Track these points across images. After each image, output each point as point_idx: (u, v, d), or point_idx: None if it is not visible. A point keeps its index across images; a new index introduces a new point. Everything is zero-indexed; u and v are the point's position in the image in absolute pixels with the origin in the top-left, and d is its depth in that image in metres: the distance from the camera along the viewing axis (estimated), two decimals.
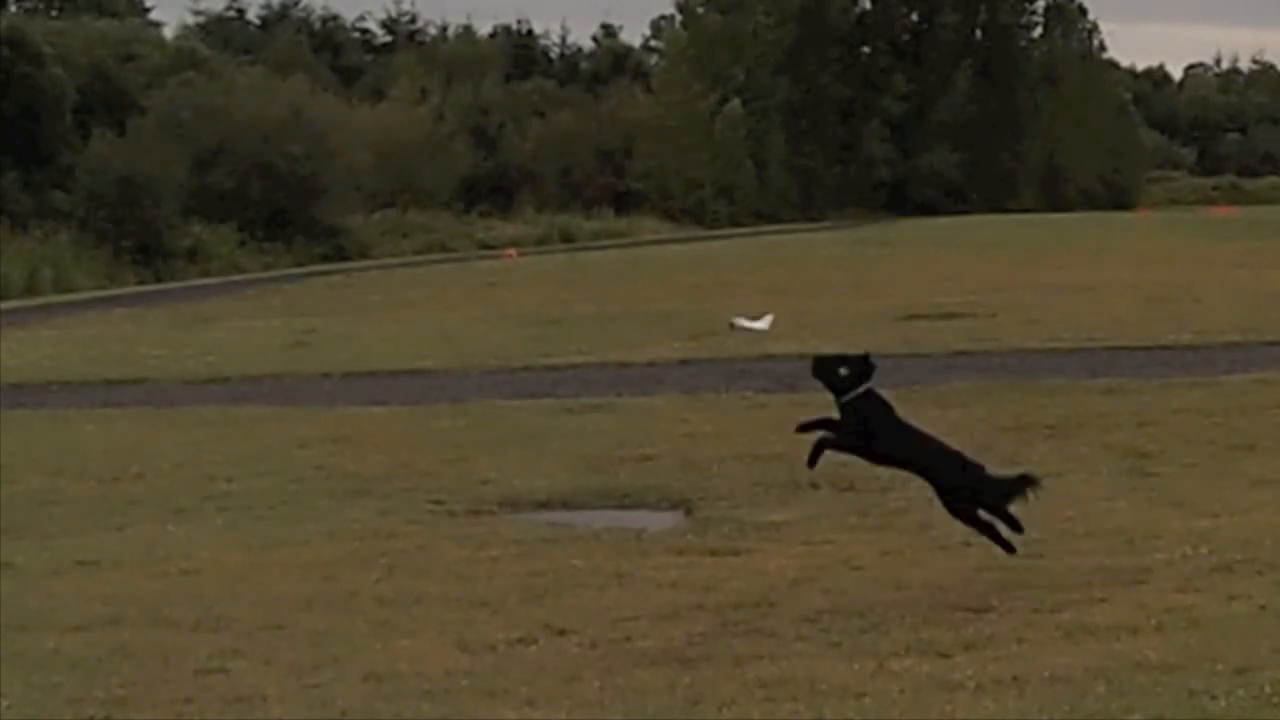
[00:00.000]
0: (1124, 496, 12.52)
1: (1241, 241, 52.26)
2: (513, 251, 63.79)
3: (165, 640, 9.34)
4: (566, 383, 21.24)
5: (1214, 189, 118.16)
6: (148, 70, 64.74)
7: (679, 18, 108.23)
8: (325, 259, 60.26)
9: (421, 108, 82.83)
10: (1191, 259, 43.27)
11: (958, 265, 43.99)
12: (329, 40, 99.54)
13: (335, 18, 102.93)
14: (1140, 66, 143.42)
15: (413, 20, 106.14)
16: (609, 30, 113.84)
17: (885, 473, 11.49)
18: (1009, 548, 10.10)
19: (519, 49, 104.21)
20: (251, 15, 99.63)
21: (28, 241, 49.67)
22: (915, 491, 11.44)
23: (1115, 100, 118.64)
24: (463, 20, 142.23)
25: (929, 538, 11.16)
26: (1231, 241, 52.56)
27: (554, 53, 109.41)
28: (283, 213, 60.35)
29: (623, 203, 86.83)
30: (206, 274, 54.04)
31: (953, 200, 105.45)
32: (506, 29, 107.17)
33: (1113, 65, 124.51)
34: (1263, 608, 9.23)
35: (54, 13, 74.34)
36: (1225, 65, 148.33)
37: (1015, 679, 8.07)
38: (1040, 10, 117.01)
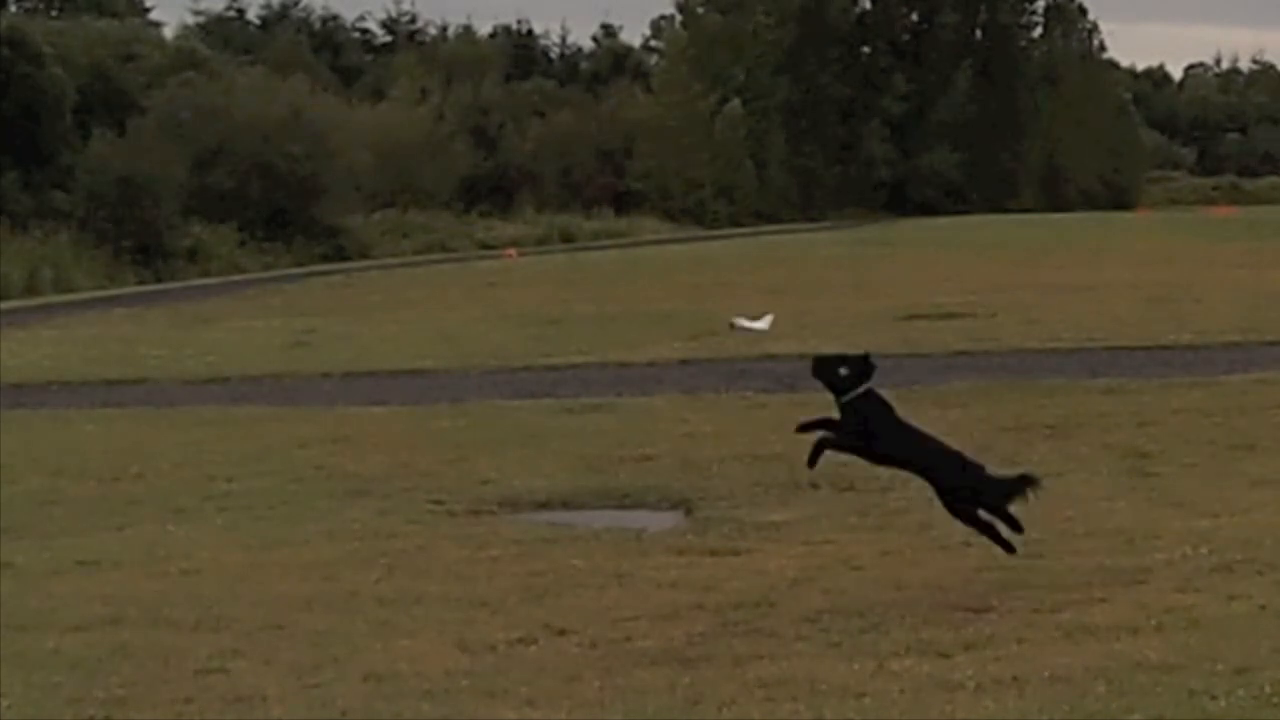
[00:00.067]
0: (1124, 496, 12.52)
1: (1241, 241, 52.26)
2: (513, 251, 63.79)
3: (165, 640, 9.34)
4: (566, 383, 21.24)
5: (1214, 189, 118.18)
6: (148, 70, 64.74)
7: (679, 18, 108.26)
8: (325, 259, 60.26)
9: (421, 108, 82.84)
10: (1191, 259, 43.27)
11: (958, 265, 43.99)
12: (329, 40, 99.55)
13: (335, 18, 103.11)
14: (1140, 66, 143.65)
15: (413, 20, 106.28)
16: (609, 30, 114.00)
17: (885, 473, 11.49)
18: (1009, 548, 10.10)
19: (519, 49, 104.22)
20: (251, 15, 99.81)
21: (28, 241, 49.68)
22: (915, 491, 11.45)
23: (1115, 100, 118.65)
24: (463, 20, 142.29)
25: (929, 538, 11.16)
26: (1231, 241, 52.56)
27: (554, 53, 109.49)
28: (283, 213, 60.36)
29: (623, 203, 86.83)
30: (206, 274, 54.04)
31: (953, 200, 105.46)
32: (506, 29, 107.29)
33: (1113, 65, 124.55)
34: (1263, 608, 9.23)
35: (54, 13, 74.34)
36: (1225, 65, 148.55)
37: (1015, 679, 8.07)
38: (1040, 10, 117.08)
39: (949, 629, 9.02)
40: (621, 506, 13.22)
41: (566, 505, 13.26)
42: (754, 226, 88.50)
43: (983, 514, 10.08)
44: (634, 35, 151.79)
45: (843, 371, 10.09)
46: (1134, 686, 7.91)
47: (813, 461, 10.26)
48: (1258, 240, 52.72)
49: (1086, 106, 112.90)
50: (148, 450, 16.43)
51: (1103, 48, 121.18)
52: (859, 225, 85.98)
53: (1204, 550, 10.56)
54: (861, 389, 10.06)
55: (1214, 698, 7.71)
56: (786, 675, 8.30)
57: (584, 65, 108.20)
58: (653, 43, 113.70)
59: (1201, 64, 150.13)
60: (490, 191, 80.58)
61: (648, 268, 48.43)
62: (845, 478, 12.99)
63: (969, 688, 7.99)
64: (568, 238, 75.69)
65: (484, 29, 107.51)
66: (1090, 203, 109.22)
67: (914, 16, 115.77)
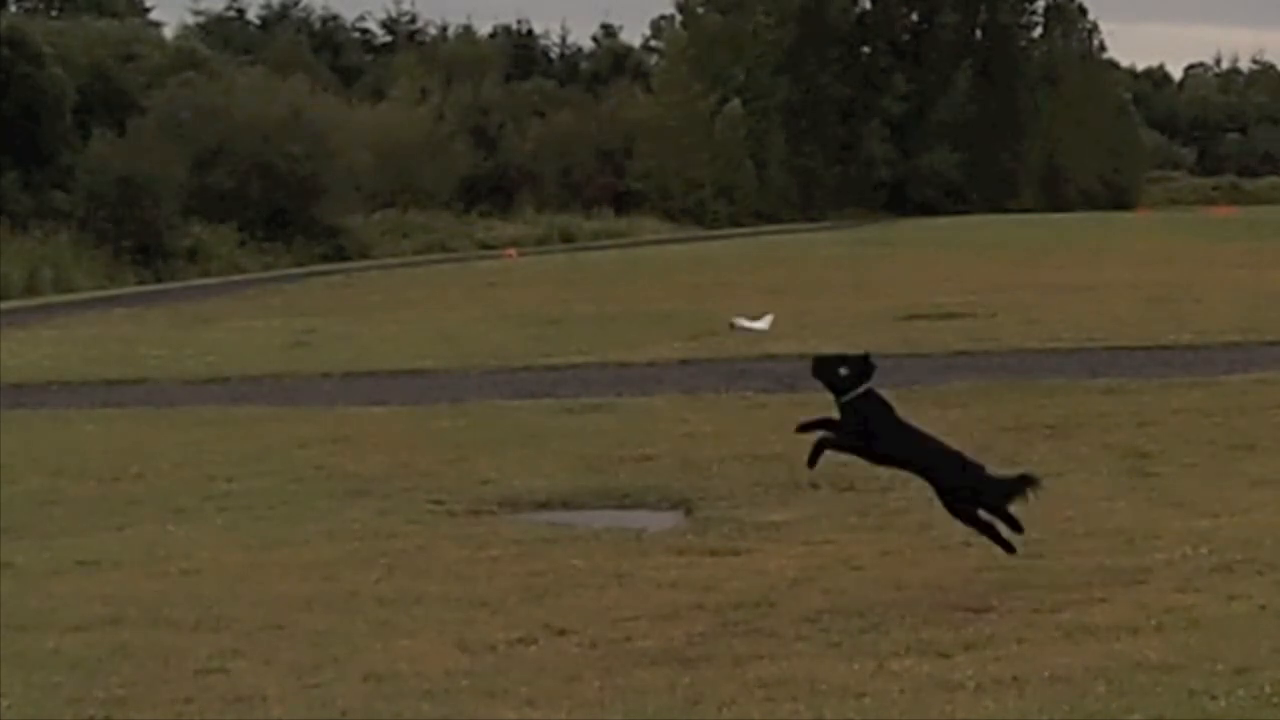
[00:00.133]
0: (1124, 496, 12.52)
1: (1241, 241, 52.26)
2: (513, 251, 63.79)
3: (165, 640, 9.34)
4: (566, 383, 21.24)
5: (1214, 189, 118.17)
6: (148, 70, 64.74)
7: (679, 18, 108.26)
8: (325, 259, 60.26)
9: (421, 108, 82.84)
10: (1191, 259, 43.27)
11: (958, 265, 43.99)
12: (329, 40, 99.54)
13: (335, 18, 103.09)
14: (1140, 66, 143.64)
15: (413, 20, 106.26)
16: (609, 30, 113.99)
17: (885, 473, 11.49)
18: (1009, 548, 10.10)
19: (519, 49, 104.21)
20: (251, 15, 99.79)
21: (28, 241, 49.68)
22: (915, 491, 11.44)
23: (1115, 100, 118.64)
24: (463, 20, 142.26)
25: (929, 538, 11.16)
26: (1231, 241, 52.56)
27: (554, 53, 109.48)
28: (283, 213, 60.36)
29: (623, 203, 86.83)
30: (206, 274, 54.04)
31: (953, 200, 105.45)
32: (506, 29, 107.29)
33: (1113, 65, 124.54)
34: (1263, 608, 9.23)
35: (54, 13, 74.34)
36: (1225, 65, 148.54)
37: (1015, 679, 8.07)
38: (1040, 10, 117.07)
39: (949, 629, 9.02)
40: (621, 506, 13.22)
41: (566, 505, 13.26)
42: (754, 226, 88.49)
43: (983, 514, 10.09)
44: (634, 35, 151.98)
45: (843, 371, 10.09)
46: (1134, 686, 7.91)
47: (813, 461, 10.26)
48: (1258, 240, 52.72)
49: (1086, 106, 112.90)
50: (148, 450, 16.43)
51: (1103, 48, 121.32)
52: (859, 225, 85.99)
53: (1204, 550, 10.56)
54: (861, 389, 10.05)
55: (1214, 698, 7.71)
56: (786, 675, 8.30)
57: (584, 65, 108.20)
58: (653, 43, 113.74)
59: (1201, 64, 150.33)
60: (490, 191, 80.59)
61: (648, 268, 48.42)
62: (845, 478, 12.99)
63: (969, 688, 7.99)
64: (568, 238, 75.69)
65: (484, 29, 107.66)
66: (1090, 203, 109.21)
67: (914, 16, 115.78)
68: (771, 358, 22.84)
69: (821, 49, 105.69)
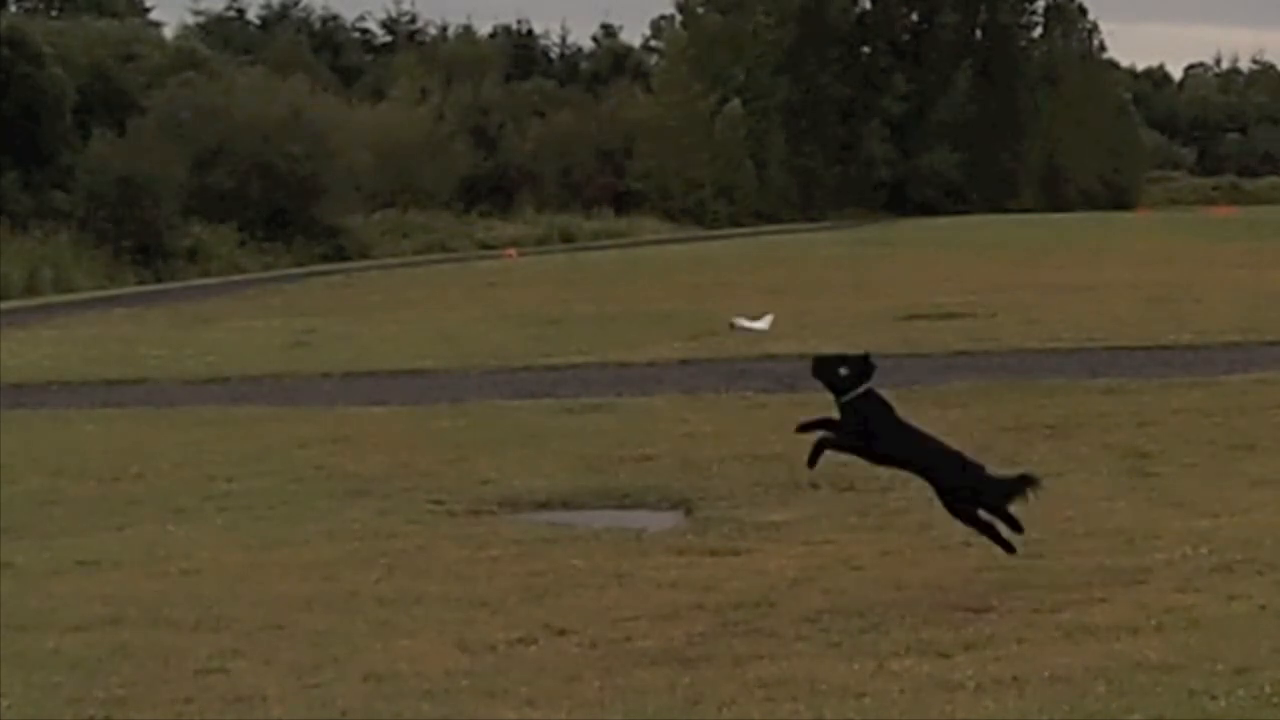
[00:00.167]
0: (1124, 496, 12.52)
1: (1241, 241, 52.26)
2: (513, 251, 63.79)
3: (165, 640, 9.34)
4: (566, 383, 21.24)
5: (1214, 189, 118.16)
6: (148, 70, 64.74)
7: (679, 18, 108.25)
8: (325, 259, 60.26)
9: (421, 108, 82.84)
10: (1191, 259, 43.27)
11: (958, 265, 43.99)
12: (329, 40, 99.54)
13: (335, 18, 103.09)
14: (1140, 66, 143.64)
15: (413, 20, 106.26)
16: (609, 30, 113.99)
17: (885, 473, 11.49)
18: (1009, 548, 10.10)
19: (519, 49, 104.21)
20: (251, 15, 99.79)
21: (28, 241, 49.68)
22: (915, 491, 11.44)
23: (1115, 100, 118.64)
24: (463, 20, 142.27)
25: (929, 538, 11.16)
26: (1231, 241, 52.56)
27: (554, 53, 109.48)
28: (283, 213, 60.36)
29: (623, 203, 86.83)
30: (206, 274, 54.04)
31: (953, 200, 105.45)
32: (506, 29, 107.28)
33: (1113, 65, 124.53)
34: (1263, 608, 9.24)
35: (54, 13, 74.34)
36: (1225, 65, 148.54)
37: (1015, 679, 8.07)
38: (1040, 10, 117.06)
39: (949, 629, 9.02)
40: (621, 506, 13.22)
41: (566, 505, 13.26)
42: (754, 226, 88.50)
43: (983, 514, 10.09)
44: (634, 35, 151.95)
45: (843, 371, 10.09)
46: (1134, 686, 7.91)
47: (813, 461, 10.27)
48: (1258, 240, 52.72)
49: (1086, 106, 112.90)
50: (148, 450, 16.43)
51: (1103, 48, 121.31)
52: (859, 225, 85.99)
53: (1204, 550, 10.56)
54: (861, 389, 10.06)
55: (1214, 698, 7.71)
56: (786, 675, 8.30)
57: (584, 65, 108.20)
58: (653, 43, 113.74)
59: (1201, 64, 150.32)
60: (490, 191, 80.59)
61: (648, 268, 48.42)
62: (845, 478, 12.99)
63: (969, 688, 7.99)
64: (568, 238, 75.69)
65: (484, 29, 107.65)
66: (1090, 203, 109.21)
67: (914, 16, 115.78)
68: (771, 358, 22.84)
69: (821, 49, 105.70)
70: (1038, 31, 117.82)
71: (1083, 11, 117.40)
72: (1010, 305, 29.79)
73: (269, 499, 13.67)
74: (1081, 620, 9.09)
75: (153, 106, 60.58)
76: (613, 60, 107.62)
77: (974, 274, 39.75)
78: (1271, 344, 22.58)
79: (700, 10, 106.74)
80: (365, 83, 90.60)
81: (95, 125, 57.27)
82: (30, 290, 46.13)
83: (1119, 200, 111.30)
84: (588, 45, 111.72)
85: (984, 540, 10.18)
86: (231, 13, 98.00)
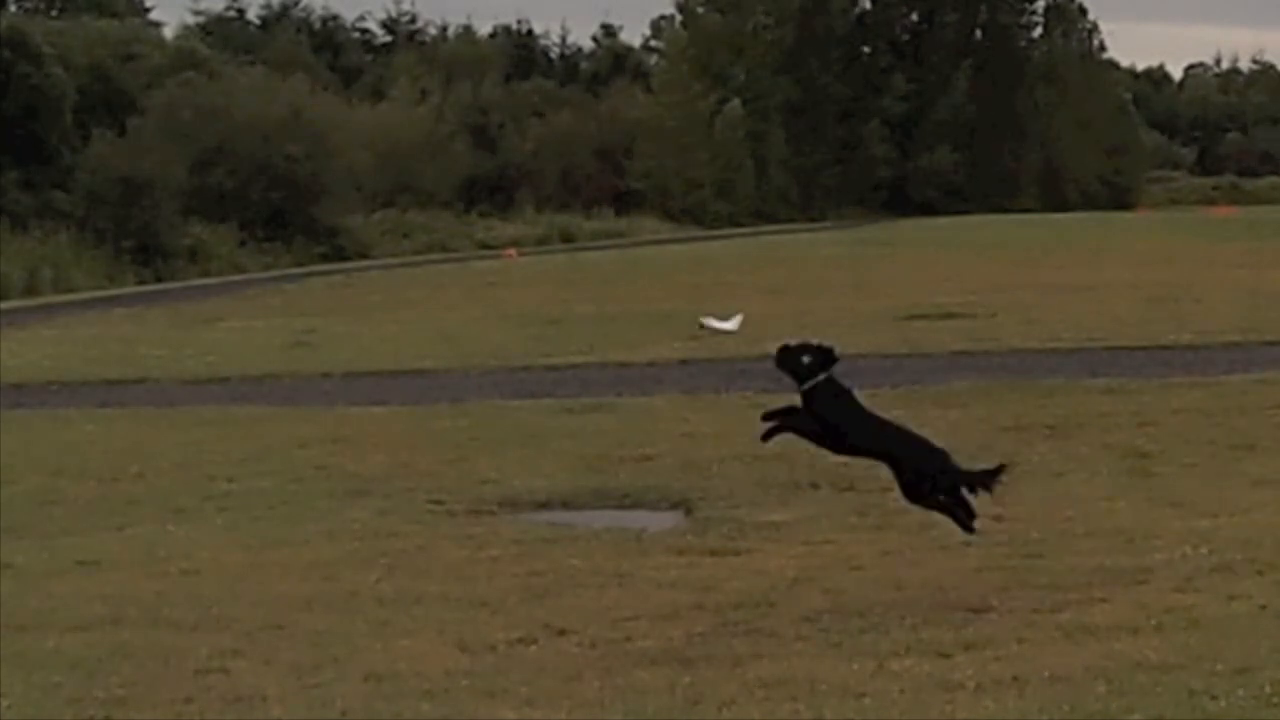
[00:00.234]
0: (1124, 496, 12.52)
1: (1241, 241, 52.25)
2: (513, 251, 63.78)
3: (165, 640, 9.34)
4: (566, 383, 21.25)
5: (1214, 189, 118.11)
6: (148, 70, 64.74)
7: (679, 18, 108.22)
8: (325, 259, 60.26)
9: (421, 108, 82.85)
10: (1191, 259, 43.26)
11: (958, 265, 43.99)
12: (329, 40, 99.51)
13: (335, 18, 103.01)
14: (1140, 66, 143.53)
15: (413, 20, 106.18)
16: (609, 30, 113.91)
17: (885, 473, 11.47)
18: (968, 527, 10.00)
19: (519, 49, 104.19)
20: (251, 15, 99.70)
21: (28, 241, 49.68)
22: None
23: (1115, 100, 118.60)
24: (463, 20, 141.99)
25: (929, 538, 11.16)
26: (1231, 241, 52.55)
27: (554, 53, 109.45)
28: (283, 213, 60.37)
29: (623, 203, 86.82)
30: (206, 274, 54.05)
31: (953, 200, 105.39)
32: (506, 29, 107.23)
33: (1113, 65, 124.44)
34: (1263, 608, 9.24)
35: (54, 13, 74.34)
36: (1225, 65, 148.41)
37: (1015, 679, 8.07)
38: (1040, 10, 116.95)
39: (949, 629, 9.02)
40: (621, 506, 13.23)
41: (566, 505, 13.26)
42: (754, 226, 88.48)
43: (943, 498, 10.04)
44: (634, 35, 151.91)
45: (805, 360, 10.11)
46: (1134, 686, 7.91)
47: (766, 437, 10.27)
48: (1258, 240, 52.72)
49: (1086, 106, 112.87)
50: (148, 450, 16.43)
51: (1103, 48, 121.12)
52: (859, 225, 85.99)
53: (1204, 550, 10.56)
54: (822, 376, 10.04)
55: (1214, 698, 7.71)
56: (786, 675, 8.30)
57: (584, 65, 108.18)
58: (653, 43, 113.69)
59: (1201, 64, 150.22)
60: (490, 191, 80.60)
61: (648, 268, 48.43)
62: (845, 478, 12.99)
63: (969, 688, 7.99)
64: (568, 238, 75.68)
65: (484, 29, 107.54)
66: (1090, 203, 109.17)
67: (914, 16, 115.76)
68: (772, 358, 22.79)
69: (821, 49, 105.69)
70: (1038, 31, 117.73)
71: (1083, 11, 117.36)
72: (1010, 305, 29.79)
73: (269, 499, 13.68)
74: (1081, 620, 9.09)
75: (153, 106, 60.58)
76: (613, 60, 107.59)
77: (974, 274, 39.75)
78: (1271, 344, 22.58)
79: (700, 10, 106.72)
80: (365, 83, 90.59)
81: (95, 125, 57.27)
82: (30, 290, 46.14)
83: (1119, 200, 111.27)
84: (588, 45, 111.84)
85: (984, 540, 10.17)
86: (231, 13, 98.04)
